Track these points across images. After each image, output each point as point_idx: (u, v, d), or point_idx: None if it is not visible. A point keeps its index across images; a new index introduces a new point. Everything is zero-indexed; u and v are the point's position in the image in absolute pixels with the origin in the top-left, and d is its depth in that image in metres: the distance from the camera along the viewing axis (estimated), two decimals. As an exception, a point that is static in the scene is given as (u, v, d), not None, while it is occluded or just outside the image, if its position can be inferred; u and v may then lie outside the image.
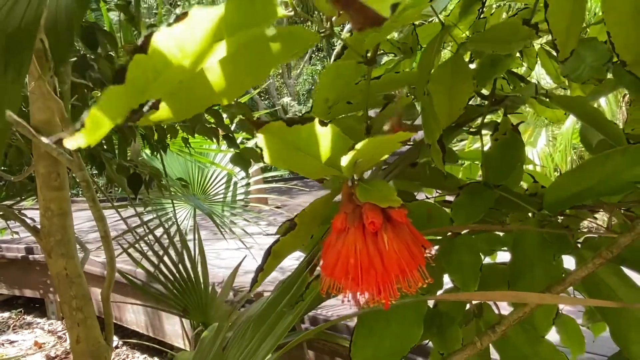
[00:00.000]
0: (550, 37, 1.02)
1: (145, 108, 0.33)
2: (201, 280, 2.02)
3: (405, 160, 0.64)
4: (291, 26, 0.36)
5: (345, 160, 0.34)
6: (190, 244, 2.36)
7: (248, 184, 2.93)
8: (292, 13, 0.36)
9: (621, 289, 0.54)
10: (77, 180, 1.19)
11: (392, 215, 0.37)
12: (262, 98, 11.41)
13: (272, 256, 0.46)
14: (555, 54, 1.02)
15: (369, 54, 0.41)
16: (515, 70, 0.91)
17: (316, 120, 0.33)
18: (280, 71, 11.67)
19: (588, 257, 0.57)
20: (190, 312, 2.01)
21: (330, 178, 0.55)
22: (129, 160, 1.61)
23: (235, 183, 3.03)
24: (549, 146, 4.35)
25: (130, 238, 2.15)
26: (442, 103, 0.52)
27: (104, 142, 1.41)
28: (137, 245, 2.16)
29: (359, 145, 0.32)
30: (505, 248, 0.69)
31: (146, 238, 2.29)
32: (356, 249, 0.37)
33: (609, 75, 0.64)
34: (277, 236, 0.55)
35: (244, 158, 1.33)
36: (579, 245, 0.59)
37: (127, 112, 0.30)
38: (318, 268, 0.61)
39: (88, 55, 1.12)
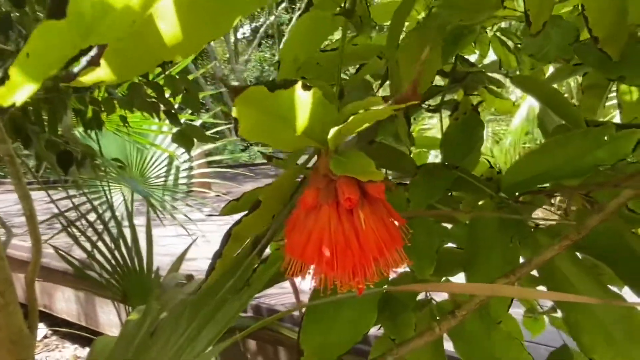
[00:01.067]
0: (503, 25, 1.01)
1: (82, 63, 0.27)
2: (144, 264, 1.92)
3: (363, 137, 0.60)
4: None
5: (332, 133, 0.30)
6: (127, 230, 2.25)
7: (191, 168, 2.82)
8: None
9: (575, 277, 0.52)
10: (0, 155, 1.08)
11: (369, 191, 0.33)
12: (208, 83, 11.13)
13: (232, 239, 0.41)
14: (508, 42, 1.02)
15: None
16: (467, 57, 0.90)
17: (299, 83, 0.28)
18: (228, 56, 11.41)
19: (543, 242, 0.56)
20: (131, 297, 1.90)
21: (289, 156, 0.50)
22: (59, 135, 1.49)
23: (178, 167, 2.90)
24: (489, 142, 4.49)
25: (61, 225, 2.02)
26: (409, 76, 0.49)
27: (31, 114, 1.29)
28: (70, 230, 2.04)
29: (350, 119, 0.28)
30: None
31: (81, 221, 2.16)
32: (330, 229, 0.33)
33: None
34: (223, 221, 0.49)
35: (186, 136, 1.25)
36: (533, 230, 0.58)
37: (66, 57, 0.24)
38: (268, 250, 0.57)
39: (13, 15, 1.01)
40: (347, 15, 0.38)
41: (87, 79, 0.27)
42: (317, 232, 0.34)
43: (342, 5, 0.37)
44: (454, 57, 0.63)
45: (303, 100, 0.30)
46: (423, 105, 0.63)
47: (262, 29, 11.09)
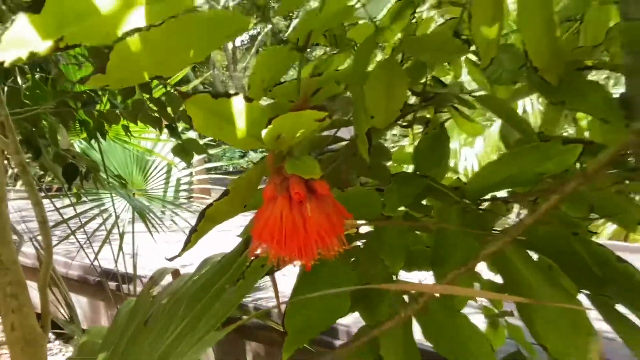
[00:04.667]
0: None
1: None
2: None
3: (348, 149, 0.69)
4: (218, 10, 0.40)
5: (264, 132, 0.38)
6: (128, 237, 2.32)
7: (191, 174, 2.89)
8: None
9: (528, 271, 0.60)
10: (13, 164, 1.16)
11: (316, 188, 0.41)
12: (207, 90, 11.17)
13: (205, 219, 0.49)
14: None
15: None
16: (442, 79, 0.97)
17: (241, 95, 0.37)
18: (227, 63, 11.52)
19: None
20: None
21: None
22: (66, 149, 1.58)
23: (179, 179, 2.96)
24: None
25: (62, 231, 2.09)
26: (379, 103, 0.57)
27: (42, 129, 1.38)
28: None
29: (277, 120, 0.36)
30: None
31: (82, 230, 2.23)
32: (282, 215, 0.41)
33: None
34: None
35: (185, 149, 1.34)
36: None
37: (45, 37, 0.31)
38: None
39: None
40: (301, 50, 0.47)
41: (94, 81, 0.36)
42: (272, 218, 0.43)
43: (297, 42, 0.46)
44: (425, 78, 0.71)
45: (239, 108, 0.38)
46: (398, 122, 0.72)
47: (260, 37, 11.19)
